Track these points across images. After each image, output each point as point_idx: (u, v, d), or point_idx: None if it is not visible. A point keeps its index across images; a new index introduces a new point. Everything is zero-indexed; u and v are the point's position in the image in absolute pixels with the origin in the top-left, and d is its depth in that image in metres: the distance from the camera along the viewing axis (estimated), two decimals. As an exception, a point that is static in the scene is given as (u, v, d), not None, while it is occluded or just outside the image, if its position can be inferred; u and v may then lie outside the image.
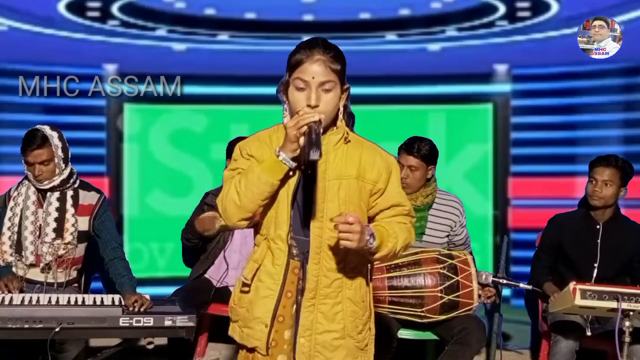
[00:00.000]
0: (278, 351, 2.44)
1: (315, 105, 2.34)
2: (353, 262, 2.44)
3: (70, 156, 3.76)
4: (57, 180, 3.71)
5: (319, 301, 2.42)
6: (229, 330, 2.56)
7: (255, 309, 2.44)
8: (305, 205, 2.40)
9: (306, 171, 2.39)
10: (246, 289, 2.46)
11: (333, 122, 2.42)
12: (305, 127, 2.26)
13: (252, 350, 2.47)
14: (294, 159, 2.33)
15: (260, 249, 2.45)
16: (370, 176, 2.44)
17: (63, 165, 3.72)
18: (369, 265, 2.52)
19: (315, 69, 2.35)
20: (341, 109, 2.42)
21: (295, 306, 2.44)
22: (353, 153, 2.43)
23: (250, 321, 2.45)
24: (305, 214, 2.40)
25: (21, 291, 3.60)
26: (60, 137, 3.72)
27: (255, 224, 2.47)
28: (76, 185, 3.79)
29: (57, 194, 3.74)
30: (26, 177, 3.77)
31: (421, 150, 3.98)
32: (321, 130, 2.29)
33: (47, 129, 3.70)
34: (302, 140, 2.27)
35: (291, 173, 2.36)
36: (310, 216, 2.39)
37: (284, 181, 2.36)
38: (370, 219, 2.48)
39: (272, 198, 2.38)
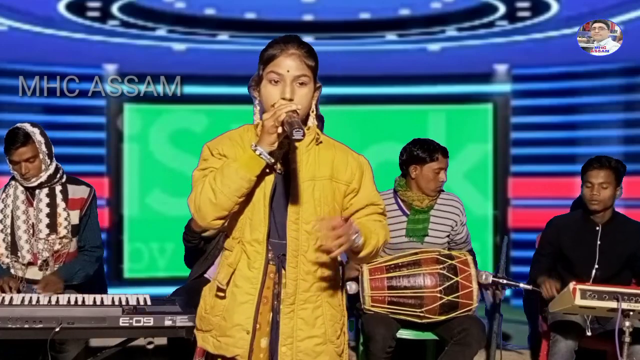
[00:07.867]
0: None
1: (290, 98, 2.29)
2: (329, 264, 2.39)
3: (54, 151, 3.77)
4: (44, 176, 3.71)
5: (299, 306, 2.35)
6: (199, 341, 2.46)
7: (234, 316, 2.35)
8: (279, 208, 2.35)
9: (283, 169, 2.35)
10: (222, 294, 2.37)
11: (304, 122, 2.36)
12: (284, 115, 2.21)
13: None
14: (270, 155, 2.27)
15: (235, 253, 2.36)
16: (343, 177, 2.39)
17: (48, 161, 3.72)
18: (341, 268, 2.48)
19: (290, 63, 2.30)
20: (313, 108, 2.38)
21: (271, 313, 2.37)
22: (325, 154, 2.38)
23: (229, 329, 2.35)
24: (280, 216, 2.35)
25: (19, 291, 3.60)
26: (42, 133, 3.73)
27: (227, 228, 2.39)
28: (63, 180, 3.80)
29: (46, 191, 3.75)
30: (13, 178, 3.78)
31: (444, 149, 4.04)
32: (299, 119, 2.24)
33: (28, 126, 3.71)
34: (280, 129, 2.22)
35: (267, 170, 2.31)
36: (285, 219, 2.34)
37: (259, 180, 2.31)
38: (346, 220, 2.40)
39: (247, 199, 2.32)
